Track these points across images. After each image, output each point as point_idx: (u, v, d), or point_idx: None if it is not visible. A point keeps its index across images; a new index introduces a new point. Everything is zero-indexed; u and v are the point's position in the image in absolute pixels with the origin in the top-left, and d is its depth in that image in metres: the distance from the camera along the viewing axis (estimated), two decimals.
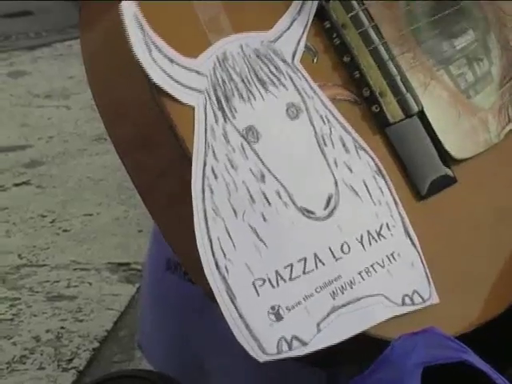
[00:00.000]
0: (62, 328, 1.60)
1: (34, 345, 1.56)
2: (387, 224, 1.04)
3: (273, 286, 1.00)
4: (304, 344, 0.99)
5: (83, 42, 1.10)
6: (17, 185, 2.15)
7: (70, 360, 1.51)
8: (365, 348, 1.02)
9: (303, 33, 1.05)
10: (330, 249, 1.02)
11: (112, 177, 2.05)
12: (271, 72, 1.04)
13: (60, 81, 2.78)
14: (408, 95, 1.07)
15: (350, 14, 1.06)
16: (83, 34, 1.10)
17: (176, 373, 1.22)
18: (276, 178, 1.02)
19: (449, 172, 1.08)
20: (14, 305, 1.68)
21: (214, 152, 1.01)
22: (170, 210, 1.07)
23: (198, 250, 0.99)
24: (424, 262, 1.04)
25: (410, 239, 1.04)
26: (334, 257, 1.02)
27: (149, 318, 1.32)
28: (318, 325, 1.00)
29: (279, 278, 1.00)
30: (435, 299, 1.04)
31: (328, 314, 1.01)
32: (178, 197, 1.03)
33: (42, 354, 1.54)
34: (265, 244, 1.01)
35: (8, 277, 1.77)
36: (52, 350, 1.54)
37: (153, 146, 1.05)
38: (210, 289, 0.99)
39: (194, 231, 0.99)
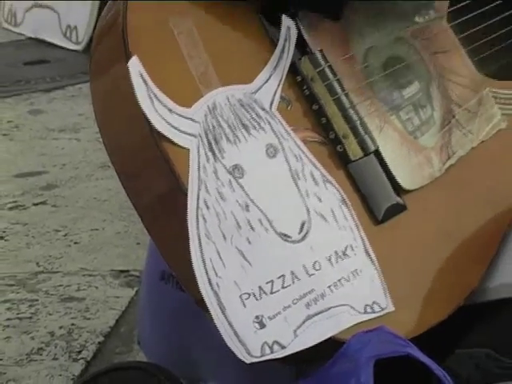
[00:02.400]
0: (73, 325, 1.60)
1: (49, 339, 1.56)
2: (351, 245, 1.02)
3: (257, 299, 0.98)
4: (283, 347, 0.98)
5: (93, 88, 1.08)
6: (35, 204, 2.17)
7: (80, 352, 1.51)
8: (330, 347, 1.00)
9: (279, 85, 1.03)
10: (304, 266, 1.00)
11: (115, 198, 2.08)
12: (253, 118, 1.02)
13: (71, 117, 2.82)
14: (366, 137, 1.05)
15: (317, 70, 1.04)
16: (93, 82, 1.08)
17: (169, 365, 1.19)
18: (258, 207, 1.00)
19: (400, 201, 1.06)
20: (33, 305, 1.68)
21: (206, 186, 0.99)
22: (167, 233, 1.03)
23: (192, 268, 0.97)
24: (382, 276, 1.02)
25: (370, 258, 1.03)
26: (308, 273, 1.00)
27: (147, 321, 1.29)
28: (295, 331, 0.98)
29: (262, 292, 0.98)
30: (391, 308, 1.02)
31: (303, 322, 0.99)
32: (175, 223, 1.00)
33: (55, 347, 1.53)
34: (250, 263, 0.99)
35: (27, 281, 1.78)
36: (64, 343, 1.54)
37: (153, 179, 1.02)
38: (201, 299, 0.97)
39: (189, 252, 0.97)
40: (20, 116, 2.91)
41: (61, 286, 1.76)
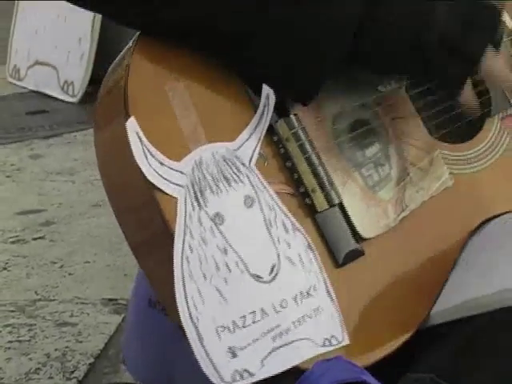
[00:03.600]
0: (67, 347, 1.59)
1: (45, 360, 1.55)
2: (314, 286, 1.02)
3: (230, 332, 0.97)
4: (252, 375, 0.97)
5: (96, 138, 1.07)
6: (35, 239, 2.15)
7: (73, 372, 1.50)
8: (294, 374, 0.99)
9: (257, 144, 1.03)
10: (272, 304, 0.99)
11: (105, 234, 2.06)
12: (234, 172, 1.01)
13: (68, 162, 2.80)
14: (331, 191, 1.04)
15: (291, 131, 1.04)
16: (96, 133, 1.07)
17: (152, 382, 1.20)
18: (235, 251, 0.99)
19: (358, 247, 1.05)
20: (31, 329, 1.67)
21: (190, 231, 0.98)
22: (156, 266, 1.03)
23: (176, 299, 0.97)
24: (340, 313, 1.02)
25: (330, 297, 1.02)
26: (275, 310, 0.99)
27: (133, 344, 1.27)
28: (262, 361, 0.98)
29: (235, 326, 0.98)
30: (347, 341, 1.01)
31: (270, 353, 0.98)
32: (163, 260, 0.99)
33: (51, 367, 1.53)
34: (226, 301, 0.98)
35: (27, 308, 1.77)
36: (59, 364, 1.54)
37: (145, 221, 1.02)
38: (183, 327, 0.96)
39: (173, 286, 0.96)
40: (22, 160, 2.89)
41: (56, 312, 1.75)
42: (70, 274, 1.93)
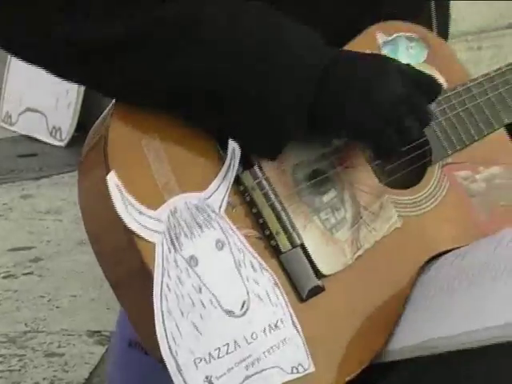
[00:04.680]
0: (54, 376, 1.58)
1: None
2: (281, 319, 1.03)
3: (207, 363, 0.98)
4: None
5: (79, 186, 1.07)
6: (24, 274, 2.13)
7: None
8: None
9: (226, 192, 1.04)
10: (244, 337, 1.00)
11: (90, 270, 2.05)
12: (205, 219, 1.02)
13: (55, 202, 2.77)
14: (293, 234, 1.05)
15: (256, 181, 1.05)
16: (80, 182, 1.07)
17: None
18: (209, 289, 1.00)
19: (319, 283, 1.05)
20: (21, 359, 1.66)
21: (168, 273, 0.99)
22: (136, 305, 1.03)
23: (155, 335, 0.97)
24: (306, 344, 1.03)
25: (296, 329, 1.03)
26: (247, 342, 1.00)
27: (116, 381, 1.27)
28: None
29: (211, 357, 0.98)
30: (312, 369, 1.02)
31: (243, 381, 0.99)
32: (143, 299, 0.99)
33: None
34: (201, 334, 0.99)
35: (17, 339, 1.75)
36: None
37: (125, 264, 1.02)
38: (163, 360, 0.97)
39: (153, 322, 0.97)
40: (13, 200, 2.86)
41: (45, 343, 1.73)
42: (57, 308, 1.91)
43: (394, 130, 1.05)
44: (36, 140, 3.80)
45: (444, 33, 1.31)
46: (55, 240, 2.38)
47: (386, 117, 1.04)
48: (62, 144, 3.70)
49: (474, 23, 2.70)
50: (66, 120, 3.74)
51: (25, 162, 3.44)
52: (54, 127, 3.82)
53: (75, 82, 1.08)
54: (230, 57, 1.01)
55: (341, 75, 1.04)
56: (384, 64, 1.08)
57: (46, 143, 3.74)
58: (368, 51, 1.12)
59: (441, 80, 1.16)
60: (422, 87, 1.07)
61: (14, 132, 3.97)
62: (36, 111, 3.95)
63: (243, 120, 1.03)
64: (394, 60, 1.10)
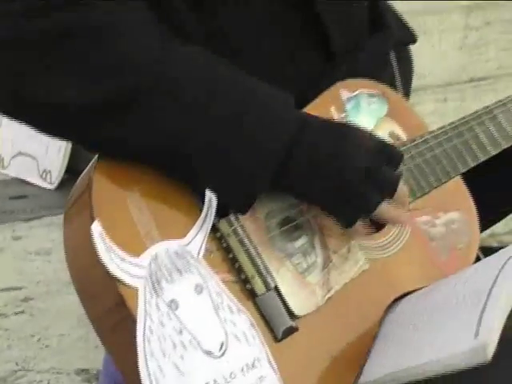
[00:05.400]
0: None
1: None
2: (258, 358, 1.03)
3: None
4: None
5: (65, 233, 1.08)
6: (15, 313, 2.09)
7: None
8: None
9: (204, 239, 1.04)
10: (223, 376, 1.01)
11: (78, 310, 2.01)
12: (185, 264, 1.03)
13: (45, 243, 2.71)
14: (268, 277, 1.06)
15: (231, 228, 1.06)
16: (65, 229, 1.08)
17: None
18: (189, 331, 1.00)
19: (293, 324, 1.06)
20: None
21: (150, 316, 0.99)
22: (120, 348, 1.03)
23: (139, 376, 0.97)
24: (282, 381, 1.03)
25: (272, 367, 1.04)
26: (226, 381, 1.01)
27: None
28: None
29: None
30: None
31: None
32: (126, 341, 1.00)
33: None
34: (183, 374, 0.99)
35: (8, 378, 1.73)
36: None
37: (109, 308, 1.02)
38: None
39: (136, 364, 0.97)
40: (5, 240, 2.80)
41: (35, 381, 1.71)
42: (46, 346, 1.89)
43: (358, 205, 1.07)
44: (27, 182, 3.77)
45: (407, 86, 1.34)
46: (45, 280, 2.34)
47: (349, 196, 1.06)
48: (52, 187, 3.67)
49: (440, 77, 2.75)
50: (56, 163, 3.72)
51: (16, 203, 3.40)
52: (44, 170, 3.80)
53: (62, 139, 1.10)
54: (205, 120, 1.01)
55: (306, 154, 1.04)
56: (348, 138, 1.07)
57: (36, 186, 3.71)
58: (333, 107, 1.14)
59: (400, 132, 1.18)
60: (386, 157, 1.08)
61: (6, 175, 3.95)
62: (27, 155, 3.93)
63: (210, 181, 1.04)
64: (357, 129, 1.10)
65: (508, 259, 0.99)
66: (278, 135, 1.04)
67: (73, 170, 3.76)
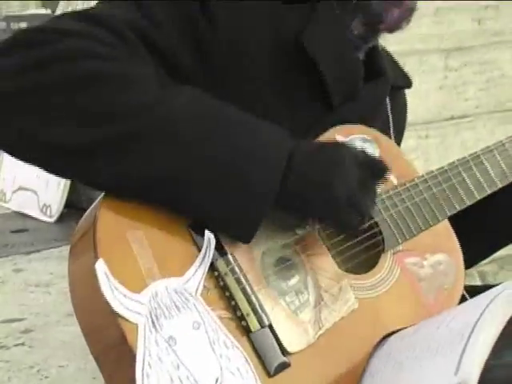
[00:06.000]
0: None
1: None
2: None
3: None
4: None
5: (70, 270, 1.08)
6: (16, 345, 2.08)
7: None
8: None
9: (202, 277, 1.05)
10: None
11: (77, 341, 1.98)
12: (183, 301, 1.03)
13: (45, 275, 2.72)
14: (262, 315, 1.07)
15: (228, 267, 1.06)
16: (71, 266, 1.08)
17: None
18: (186, 367, 1.00)
19: (285, 360, 1.06)
20: None
21: (149, 351, 0.99)
22: (119, 381, 1.03)
23: None
24: None
25: None
26: None
27: None
28: None
29: None
30: None
31: None
32: (125, 375, 0.99)
33: None
34: None
35: None
36: None
37: (110, 343, 1.02)
38: None
39: None
40: (6, 273, 2.81)
41: None
42: (46, 377, 1.87)
43: (352, 213, 1.07)
44: (28, 216, 3.78)
45: (400, 129, 1.36)
46: (44, 312, 2.34)
47: (345, 208, 1.07)
48: (52, 220, 3.69)
49: (422, 115, 2.80)
50: (56, 198, 3.74)
51: (17, 237, 3.41)
52: (44, 204, 3.81)
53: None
54: (203, 160, 1.03)
55: (297, 185, 1.06)
56: (339, 156, 1.09)
57: (36, 219, 3.72)
58: None
59: (392, 176, 1.20)
60: (373, 170, 1.10)
61: (8, 209, 3.95)
62: (28, 190, 3.95)
63: (213, 215, 1.04)
64: (347, 147, 1.11)
65: (490, 302, 1.00)
66: (272, 175, 1.04)
67: (72, 204, 3.78)
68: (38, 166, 1.06)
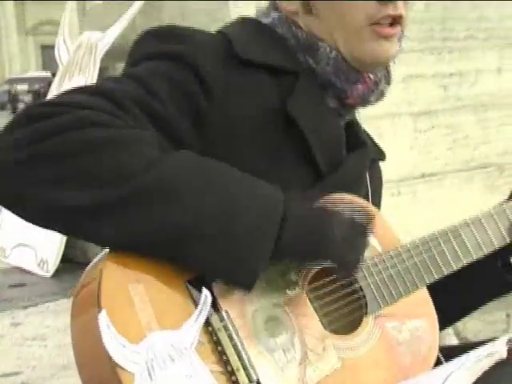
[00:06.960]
0: None
1: None
2: None
3: None
4: None
5: (72, 321, 1.07)
6: None
7: None
8: None
9: (197, 332, 1.05)
10: None
11: None
12: (178, 354, 1.03)
13: (41, 329, 2.67)
14: (251, 370, 1.07)
15: (222, 323, 1.07)
16: (73, 317, 1.08)
17: None
18: None
19: None
20: None
21: None
22: None
23: None
24: None
25: None
26: None
27: None
28: None
29: None
30: None
31: None
32: None
33: None
34: None
35: None
36: None
37: None
38: None
39: None
40: (4, 327, 2.74)
41: None
42: None
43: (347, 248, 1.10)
44: (25, 271, 3.75)
45: (377, 198, 1.39)
46: (41, 365, 2.29)
47: (340, 243, 1.10)
48: (48, 275, 3.67)
49: (394, 173, 2.86)
50: (53, 253, 3.72)
51: (15, 291, 3.38)
52: (41, 260, 3.79)
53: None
54: (201, 217, 1.04)
55: (292, 242, 1.08)
56: (326, 220, 1.11)
57: (34, 274, 3.69)
58: None
59: (377, 245, 1.22)
60: (357, 228, 1.13)
61: (7, 264, 3.92)
62: (26, 246, 3.93)
63: (214, 267, 1.05)
64: (333, 213, 1.13)
65: (449, 375, 1.01)
66: (268, 233, 1.06)
67: (67, 259, 3.76)
68: (44, 226, 1.09)
